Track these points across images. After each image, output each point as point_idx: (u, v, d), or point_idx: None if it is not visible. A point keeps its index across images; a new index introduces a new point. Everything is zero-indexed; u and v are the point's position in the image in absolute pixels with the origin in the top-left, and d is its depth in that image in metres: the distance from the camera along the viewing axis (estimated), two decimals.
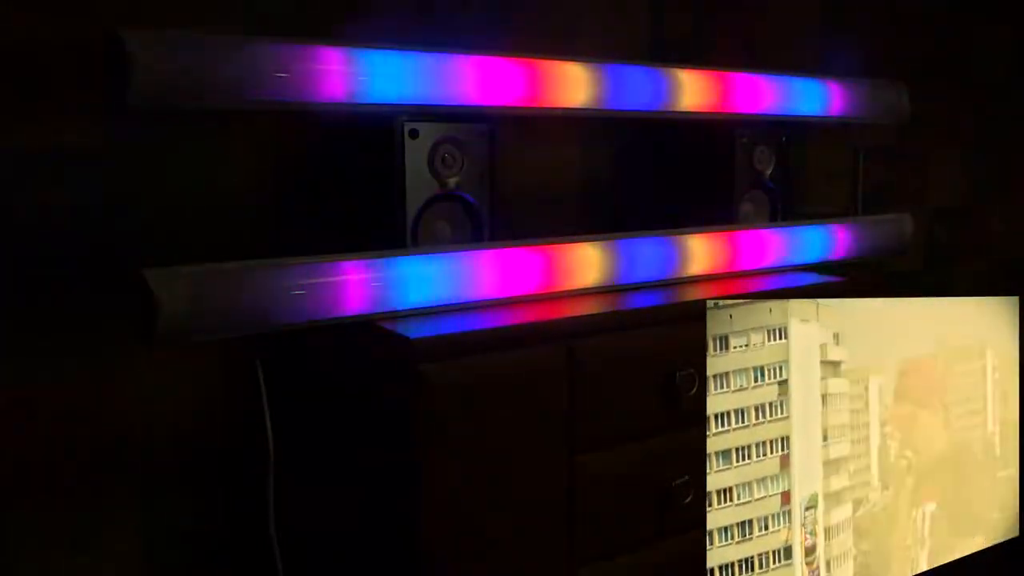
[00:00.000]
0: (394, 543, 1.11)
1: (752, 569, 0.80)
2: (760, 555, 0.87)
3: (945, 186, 2.26)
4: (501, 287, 1.20)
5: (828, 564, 0.88)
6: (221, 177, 1.22)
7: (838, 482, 0.92)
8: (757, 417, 0.89)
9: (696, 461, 0.97)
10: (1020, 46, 2.30)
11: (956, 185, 2.29)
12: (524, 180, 1.48)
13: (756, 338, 0.94)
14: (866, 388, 1.02)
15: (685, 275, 1.39)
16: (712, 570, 0.92)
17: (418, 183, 1.17)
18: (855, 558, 0.92)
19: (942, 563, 1.07)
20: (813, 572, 0.81)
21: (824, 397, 0.95)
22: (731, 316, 0.96)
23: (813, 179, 1.94)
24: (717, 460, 0.81)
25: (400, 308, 1.12)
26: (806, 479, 0.80)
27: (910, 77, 1.79)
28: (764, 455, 0.83)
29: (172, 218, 1.18)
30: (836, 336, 1.02)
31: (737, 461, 0.83)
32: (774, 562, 0.83)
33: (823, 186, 1.97)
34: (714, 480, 0.79)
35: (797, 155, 1.75)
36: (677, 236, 1.38)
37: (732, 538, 0.79)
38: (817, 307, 1.04)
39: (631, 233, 1.34)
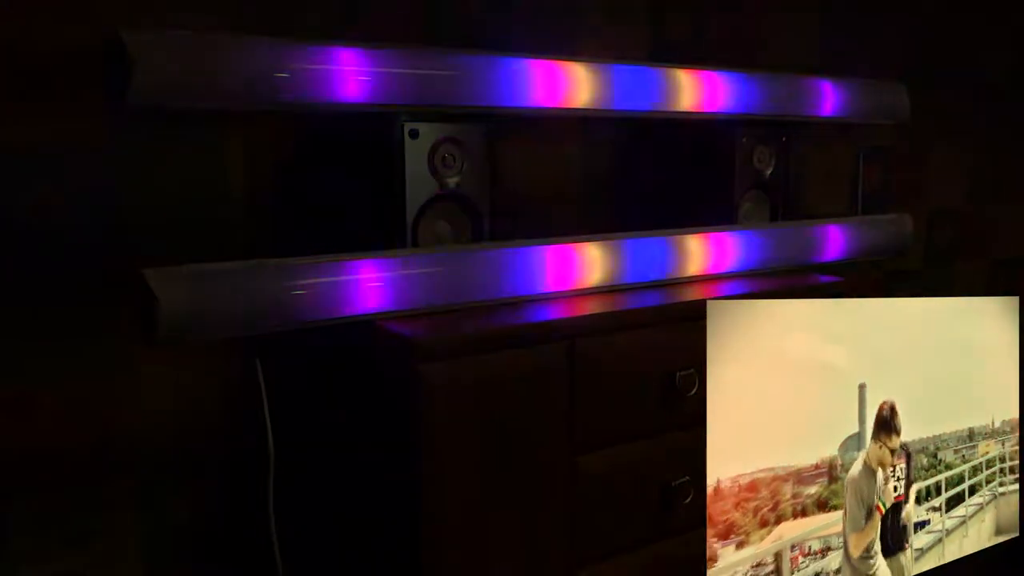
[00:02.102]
0: (394, 543, 1.11)
1: None
2: None
3: (945, 186, 2.26)
4: (501, 287, 1.20)
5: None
6: (221, 177, 1.21)
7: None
8: None
9: (696, 461, 0.97)
10: (1020, 46, 2.30)
11: (956, 185, 2.29)
12: (524, 180, 1.48)
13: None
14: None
15: (685, 275, 1.39)
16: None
17: (418, 183, 1.17)
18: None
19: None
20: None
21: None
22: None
23: (813, 179, 1.94)
24: None
25: (400, 308, 1.12)
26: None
27: (910, 77, 1.79)
28: None
29: (172, 218, 1.18)
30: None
31: None
32: None
33: (823, 186, 1.97)
34: None
35: (797, 155, 1.75)
36: (677, 236, 1.38)
37: None
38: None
39: (631, 233, 1.34)
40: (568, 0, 1.52)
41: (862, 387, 0.83)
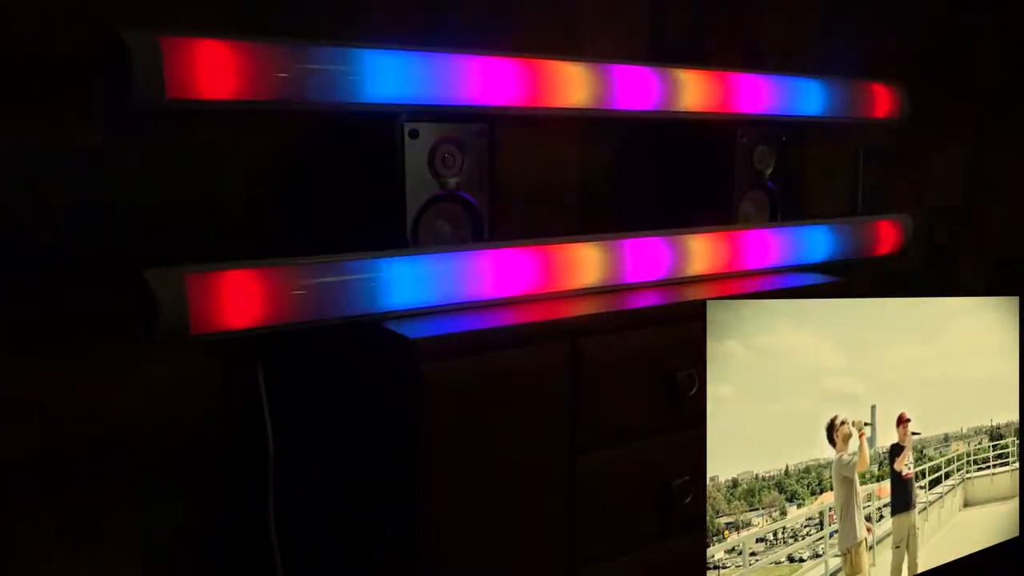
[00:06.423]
0: (394, 543, 1.11)
1: None
2: None
3: (945, 186, 2.26)
4: (501, 287, 1.20)
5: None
6: (221, 177, 1.22)
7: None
8: None
9: (696, 461, 0.97)
10: (1020, 46, 2.30)
11: (956, 185, 2.29)
12: (524, 180, 1.48)
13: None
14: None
15: (685, 275, 1.39)
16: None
17: (418, 183, 1.17)
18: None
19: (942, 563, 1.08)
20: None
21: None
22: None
23: (813, 179, 1.95)
24: None
25: (400, 308, 1.12)
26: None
27: (910, 77, 1.79)
28: None
29: (172, 218, 1.18)
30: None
31: None
32: None
33: (823, 186, 1.97)
34: None
35: (797, 155, 1.75)
36: (677, 236, 1.38)
37: None
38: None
39: (631, 233, 1.34)
40: (568, 0, 1.52)
41: (874, 408, 1.03)
